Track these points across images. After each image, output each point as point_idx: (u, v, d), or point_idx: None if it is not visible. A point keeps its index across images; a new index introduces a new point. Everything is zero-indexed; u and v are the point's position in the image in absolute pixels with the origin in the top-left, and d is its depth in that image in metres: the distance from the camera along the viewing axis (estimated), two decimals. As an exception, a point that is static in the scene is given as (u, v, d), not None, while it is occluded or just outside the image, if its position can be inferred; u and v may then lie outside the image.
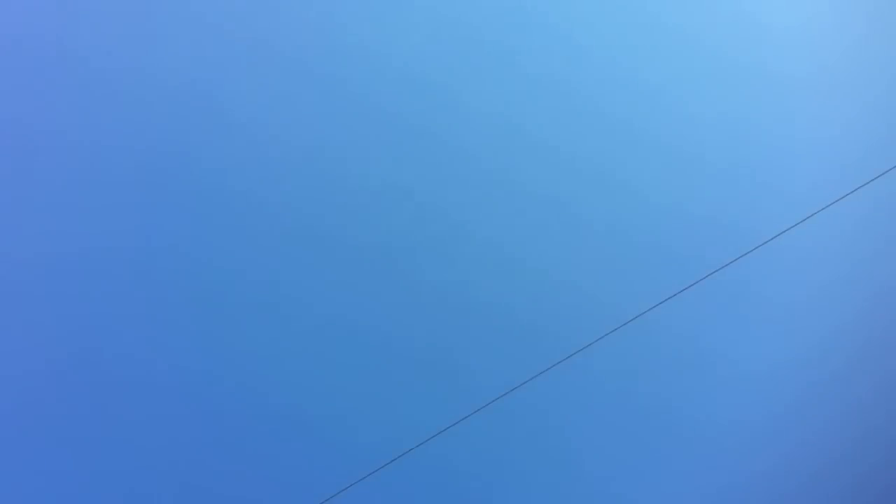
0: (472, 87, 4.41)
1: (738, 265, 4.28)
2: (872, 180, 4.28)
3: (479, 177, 4.39)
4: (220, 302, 4.22)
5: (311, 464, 4.14)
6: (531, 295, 4.32)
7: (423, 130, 4.39)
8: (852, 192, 4.28)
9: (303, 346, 4.23)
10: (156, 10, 4.31)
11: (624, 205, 4.38)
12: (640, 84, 4.45)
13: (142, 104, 4.28)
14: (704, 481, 4.21)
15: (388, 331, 4.27)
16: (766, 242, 4.28)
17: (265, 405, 4.18)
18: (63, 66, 4.24)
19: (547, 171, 4.40)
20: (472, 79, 4.42)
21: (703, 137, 4.42)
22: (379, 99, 4.38)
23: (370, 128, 4.38)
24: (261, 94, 4.34)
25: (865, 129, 4.38)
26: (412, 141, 4.38)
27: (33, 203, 4.18)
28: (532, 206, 4.37)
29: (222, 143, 4.30)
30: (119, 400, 4.12)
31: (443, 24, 4.42)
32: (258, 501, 4.09)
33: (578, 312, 4.28)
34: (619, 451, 4.23)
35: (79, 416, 4.09)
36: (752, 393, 4.26)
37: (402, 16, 4.41)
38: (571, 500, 4.19)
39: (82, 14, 4.26)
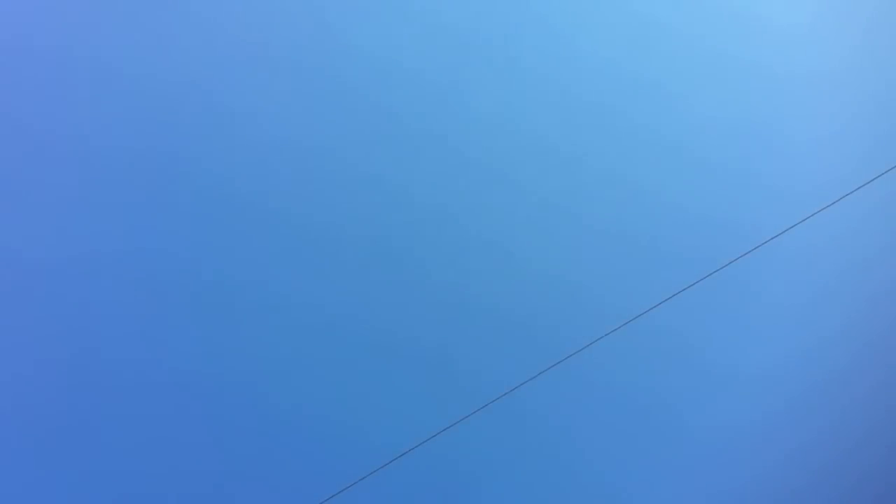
0: (472, 86, 4.41)
1: (738, 265, 4.28)
2: (872, 180, 4.28)
3: (479, 176, 4.39)
4: (218, 302, 4.22)
5: (311, 464, 4.14)
6: (531, 295, 4.32)
7: (424, 130, 4.39)
8: (852, 192, 4.28)
9: (302, 346, 4.23)
10: (154, 11, 4.31)
11: (624, 204, 4.38)
12: (641, 83, 4.45)
13: (140, 105, 4.28)
14: (704, 481, 4.21)
15: (388, 331, 4.27)
16: (766, 242, 4.28)
17: (265, 405, 4.18)
18: (62, 67, 4.24)
19: (547, 170, 4.40)
20: (473, 78, 4.42)
21: (704, 137, 4.42)
22: (380, 99, 4.38)
23: (370, 127, 4.38)
24: (260, 94, 4.34)
25: (865, 129, 4.38)
26: (412, 140, 4.38)
27: (32, 203, 4.18)
28: (532, 206, 4.38)
29: (221, 143, 4.30)
30: (118, 401, 4.12)
31: (444, 23, 4.42)
32: (258, 501, 4.09)
33: (578, 312, 4.28)
34: (619, 451, 4.23)
35: (78, 416, 4.09)
36: (752, 392, 4.26)
37: (404, 16, 4.41)
38: (571, 500, 4.19)
39: (81, 14, 4.26)
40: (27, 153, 4.19)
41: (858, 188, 4.27)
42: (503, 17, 4.45)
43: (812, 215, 4.28)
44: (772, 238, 4.28)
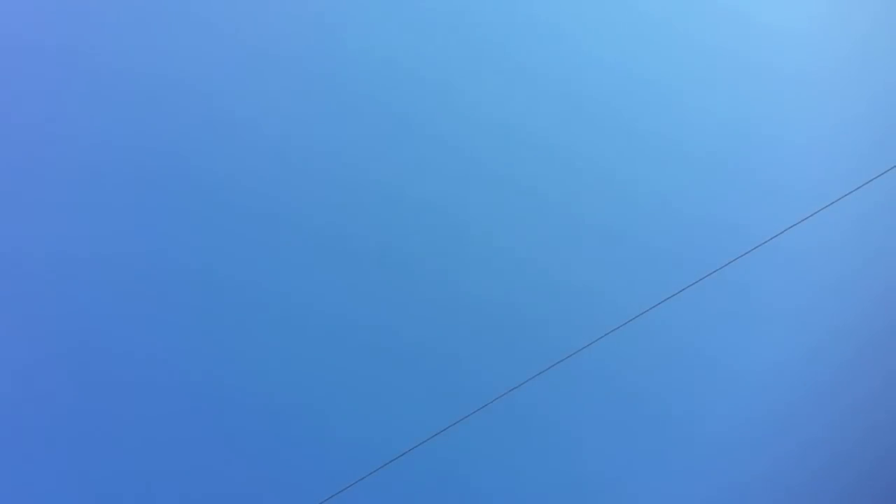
0: (472, 86, 4.41)
1: (738, 265, 4.28)
2: (872, 180, 4.28)
3: (479, 176, 4.39)
4: (219, 302, 4.22)
5: (311, 463, 4.14)
6: (531, 295, 4.32)
7: (423, 130, 4.40)
8: (852, 192, 4.28)
9: (302, 346, 4.23)
10: (154, 10, 4.31)
11: (624, 205, 4.38)
12: (640, 83, 4.45)
13: (140, 105, 4.28)
14: (704, 481, 4.21)
15: (387, 331, 4.27)
16: (766, 242, 4.28)
17: (264, 405, 4.18)
18: (63, 67, 4.24)
19: (547, 170, 4.40)
20: (473, 78, 4.42)
21: (703, 137, 4.42)
22: (380, 99, 4.38)
23: (370, 127, 4.38)
24: (259, 94, 4.34)
25: (865, 128, 4.38)
26: (411, 140, 4.38)
27: (34, 203, 4.18)
28: (532, 206, 4.37)
29: (221, 143, 4.30)
30: (118, 400, 4.12)
31: (443, 22, 4.42)
32: (258, 501, 4.09)
33: (578, 312, 4.28)
34: (619, 451, 4.23)
35: (79, 415, 4.09)
36: (752, 393, 4.26)
37: (406, 16, 4.41)
38: (571, 500, 4.19)
39: (82, 14, 4.26)
40: (27, 153, 4.20)
41: (858, 188, 4.27)
42: (503, 17, 4.45)
43: (812, 215, 4.28)
44: (772, 238, 4.28)
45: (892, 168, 4.27)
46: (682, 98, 4.44)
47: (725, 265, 4.26)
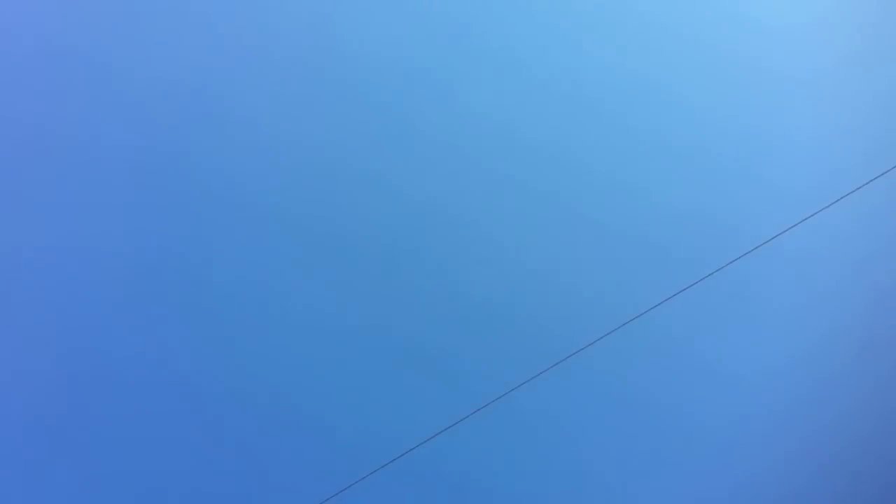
0: (472, 85, 4.41)
1: (738, 265, 4.28)
2: (872, 180, 4.28)
3: (478, 176, 4.39)
4: (217, 302, 4.22)
5: (311, 464, 4.14)
6: (531, 295, 4.32)
7: (423, 129, 4.39)
8: (852, 192, 4.28)
9: (302, 346, 4.23)
10: (155, 10, 4.31)
11: (624, 204, 4.38)
12: (641, 83, 4.45)
13: (141, 104, 4.28)
14: (704, 481, 4.21)
15: (387, 330, 4.27)
16: (766, 242, 4.28)
17: (264, 405, 4.18)
18: (64, 66, 4.24)
19: (547, 170, 4.40)
20: (473, 77, 4.42)
21: (704, 137, 4.42)
22: (381, 99, 4.38)
23: (370, 127, 4.38)
24: (258, 92, 4.34)
25: (865, 128, 4.38)
26: (412, 139, 4.38)
27: (33, 202, 4.17)
28: (532, 206, 4.37)
29: (221, 142, 4.30)
30: (117, 401, 4.12)
31: (442, 21, 4.42)
32: (258, 501, 4.09)
33: (578, 312, 4.28)
34: (619, 451, 4.23)
35: (76, 416, 4.08)
36: (752, 393, 4.26)
37: (406, 16, 4.41)
38: (571, 500, 4.19)
39: (83, 13, 4.26)
40: (27, 153, 4.19)
41: (858, 188, 4.27)
42: (504, 16, 4.45)
43: (812, 215, 4.28)
44: (772, 238, 4.28)
45: (892, 168, 4.28)
46: (682, 98, 4.44)
47: (725, 265, 4.27)
